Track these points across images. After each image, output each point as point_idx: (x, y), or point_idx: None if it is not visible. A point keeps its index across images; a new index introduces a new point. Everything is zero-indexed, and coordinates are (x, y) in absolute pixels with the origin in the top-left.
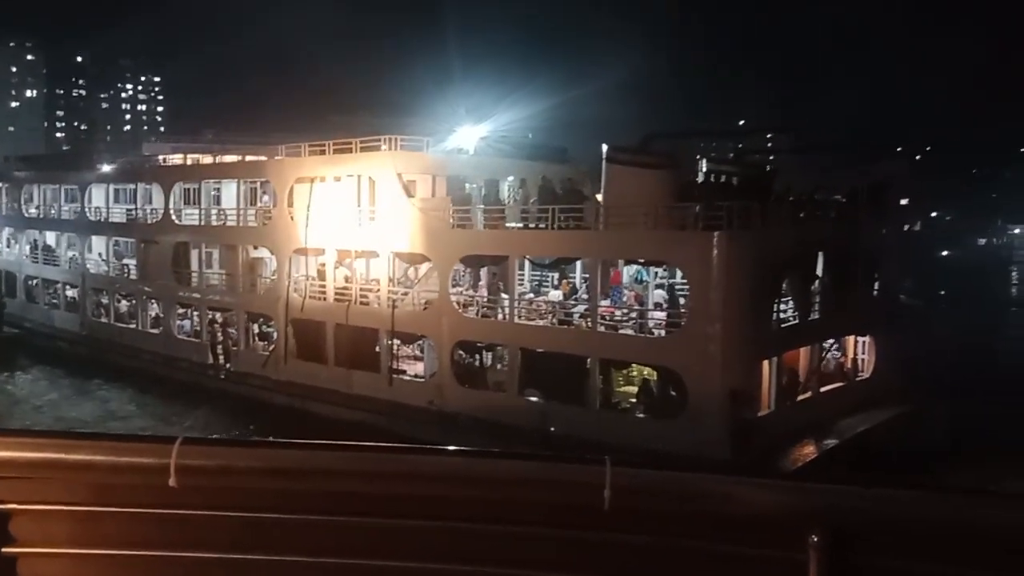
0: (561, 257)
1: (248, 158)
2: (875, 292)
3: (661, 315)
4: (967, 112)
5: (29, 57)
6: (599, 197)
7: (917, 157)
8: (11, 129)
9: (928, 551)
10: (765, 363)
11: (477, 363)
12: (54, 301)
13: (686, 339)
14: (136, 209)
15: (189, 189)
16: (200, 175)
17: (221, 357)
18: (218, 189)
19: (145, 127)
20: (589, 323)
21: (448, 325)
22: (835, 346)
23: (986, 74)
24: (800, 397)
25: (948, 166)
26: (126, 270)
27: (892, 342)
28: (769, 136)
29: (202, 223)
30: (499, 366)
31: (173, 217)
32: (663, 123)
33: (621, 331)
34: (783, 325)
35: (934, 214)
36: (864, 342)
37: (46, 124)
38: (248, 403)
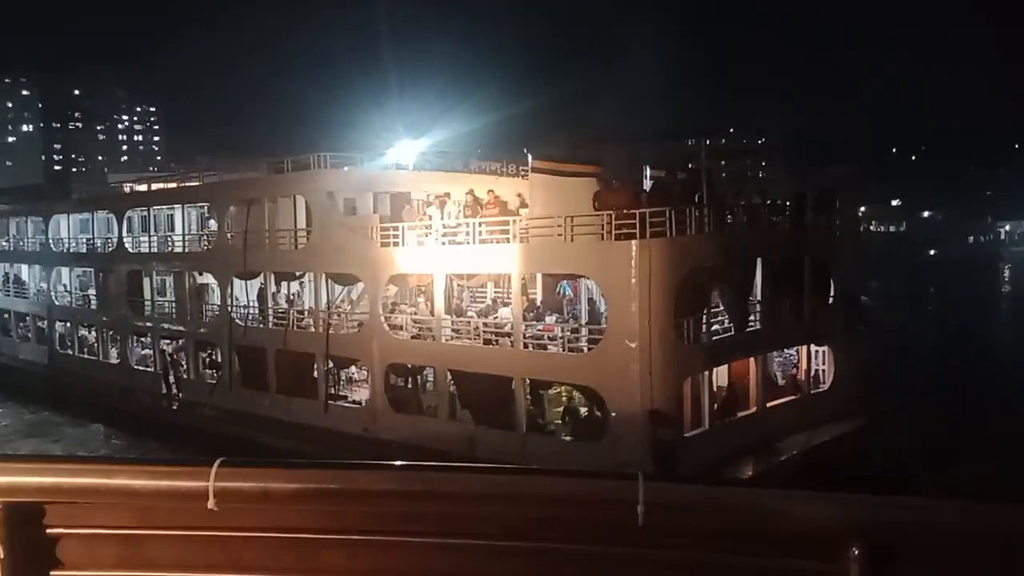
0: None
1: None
2: (830, 299)
3: (584, 331)
4: (964, 110)
5: (24, 92)
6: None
7: (913, 158)
8: (9, 164)
9: (972, 563)
10: (699, 378)
11: (412, 386)
12: (26, 334)
13: (605, 357)
14: (94, 238)
15: (142, 216)
16: (148, 202)
17: (174, 386)
18: (171, 216)
19: (141, 158)
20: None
21: (379, 348)
22: (791, 358)
23: (984, 71)
24: (742, 413)
25: (942, 165)
26: (88, 300)
27: (852, 351)
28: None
29: (150, 250)
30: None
31: (127, 245)
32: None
33: (551, 349)
34: (715, 338)
35: (926, 214)
36: (822, 352)
37: (44, 157)
38: (194, 433)
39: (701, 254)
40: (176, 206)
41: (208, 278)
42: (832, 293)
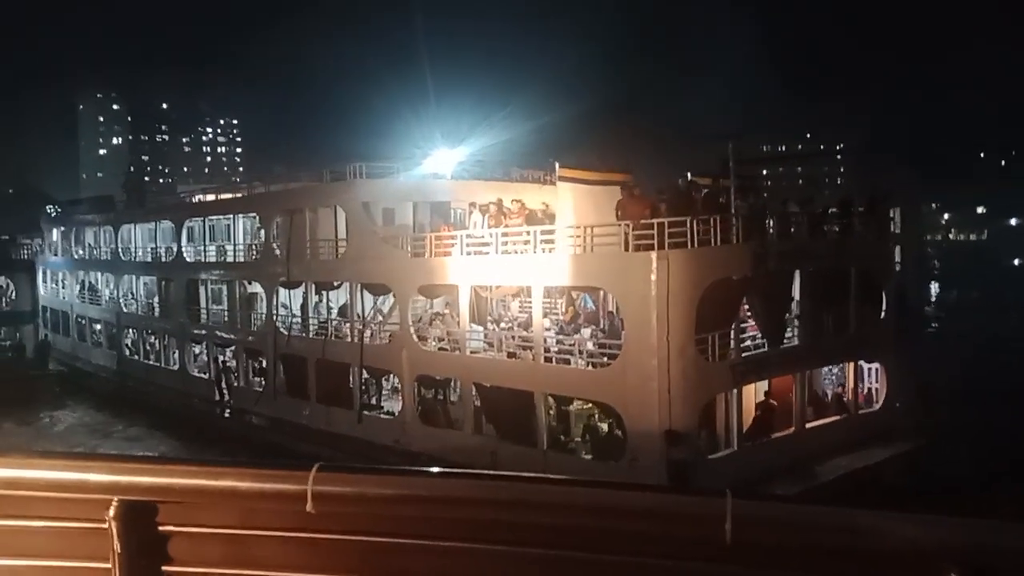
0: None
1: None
2: (882, 312)
3: (596, 346)
4: None
5: (115, 107)
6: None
7: (1003, 163)
8: (100, 175)
9: None
10: (729, 396)
11: (442, 398)
12: (99, 339)
13: (622, 373)
14: (157, 247)
15: (201, 226)
16: (204, 212)
17: (226, 393)
18: (227, 226)
19: (225, 168)
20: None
21: (408, 359)
22: (838, 375)
23: None
24: (778, 434)
25: None
26: (152, 308)
27: (907, 368)
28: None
29: (205, 259)
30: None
31: (185, 255)
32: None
33: (574, 364)
34: (745, 355)
35: (1013, 221)
36: (874, 369)
37: (132, 168)
38: (241, 441)
39: (726, 266)
40: (229, 216)
41: (257, 287)
42: (884, 306)
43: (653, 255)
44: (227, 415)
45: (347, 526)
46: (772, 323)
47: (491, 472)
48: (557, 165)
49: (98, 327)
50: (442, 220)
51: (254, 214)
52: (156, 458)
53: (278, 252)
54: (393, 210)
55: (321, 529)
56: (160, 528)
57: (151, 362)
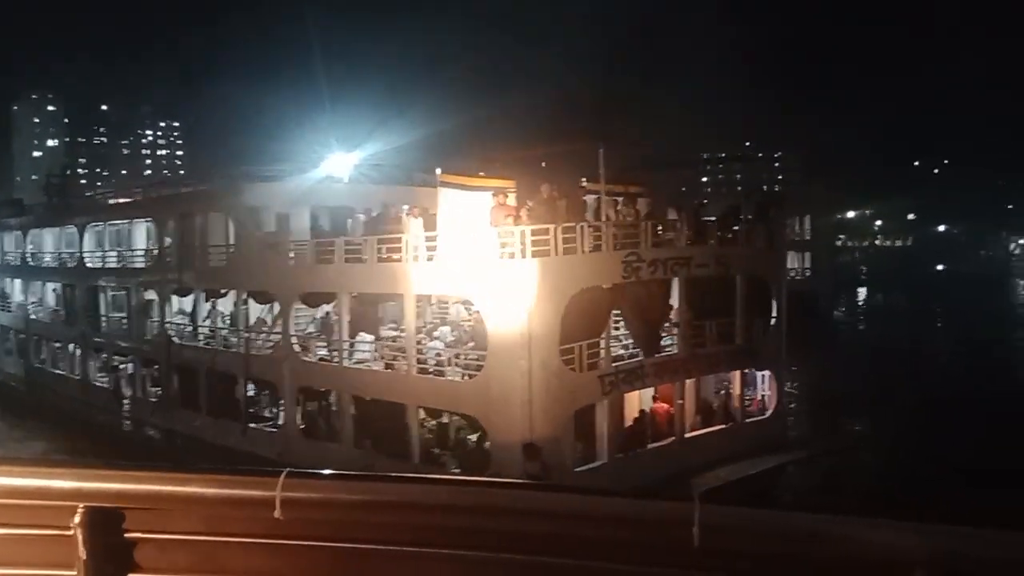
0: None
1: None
2: (773, 320)
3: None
4: (991, 123)
5: (50, 108)
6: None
7: (935, 171)
8: (34, 178)
9: None
10: (600, 407)
11: (326, 411)
12: (10, 347)
13: (486, 385)
14: (61, 253)
15: (104, 231)
16: (103, 217)
17: (125, 403)
18: (130, 231)
19: (166, 171)
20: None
21: (289, 370)
22: (725, 384)
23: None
24: (654, 444)
25: (966, 178)
26: (59, 315)
27: (798, 377)
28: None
29: (104, 265)
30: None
31: (87, 261)
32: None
33: (448, 376)
34: (616, 364)
35: (941, 228)
36: (765, 377)
37: (68, 172)
38: (137, 453)
39: (595, 274)
40: (129, 221)
41: (153, 294)
42: (775, 313)
43: (514, 263)
44: (125, 426)
45: (316, 532)
46: (645, 332)
47: (460, 478)
48: (438, 171)
49: (8, 335)
50: (332, 226)
51: (149, 219)
52: (123, 464)
53: (170, 258)
54: (288, 215)
55: (289, 535)
56: (127, 535)
57: (57, 370)
